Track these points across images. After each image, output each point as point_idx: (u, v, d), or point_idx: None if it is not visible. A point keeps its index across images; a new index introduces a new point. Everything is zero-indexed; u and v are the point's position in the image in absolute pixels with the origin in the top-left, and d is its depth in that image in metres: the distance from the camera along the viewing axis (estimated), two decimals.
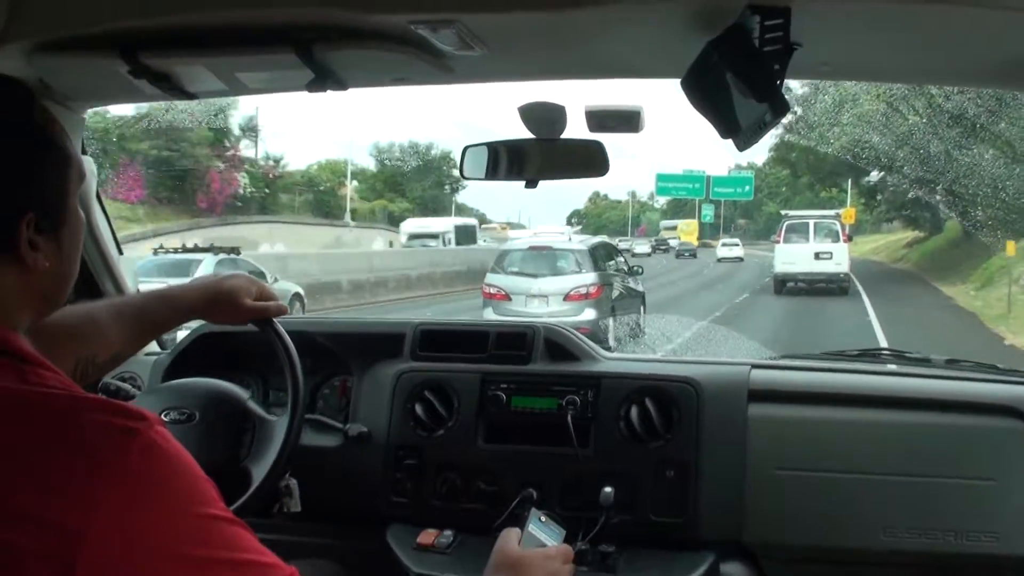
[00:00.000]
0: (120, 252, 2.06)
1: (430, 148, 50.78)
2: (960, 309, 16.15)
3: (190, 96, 1.56)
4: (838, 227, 19.74)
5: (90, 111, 1.81)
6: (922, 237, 28.65)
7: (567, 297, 11.96)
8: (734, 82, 1.22)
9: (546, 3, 1.18)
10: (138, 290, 1.98)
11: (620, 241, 34.12)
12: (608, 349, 1.99)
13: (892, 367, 2.03)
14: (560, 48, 1.40)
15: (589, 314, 11.58)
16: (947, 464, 1.65)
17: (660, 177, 35.78)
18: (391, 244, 30.73)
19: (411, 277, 22.20)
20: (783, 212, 26.90)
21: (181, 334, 2.02)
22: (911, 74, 1.97)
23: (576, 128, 1.67)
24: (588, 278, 12.12)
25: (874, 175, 22.06)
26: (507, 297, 12.41)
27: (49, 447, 0.76)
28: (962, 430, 1.68)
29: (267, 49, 1.35)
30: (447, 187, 50.21)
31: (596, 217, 73.45)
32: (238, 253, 15.54)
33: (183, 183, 28.70)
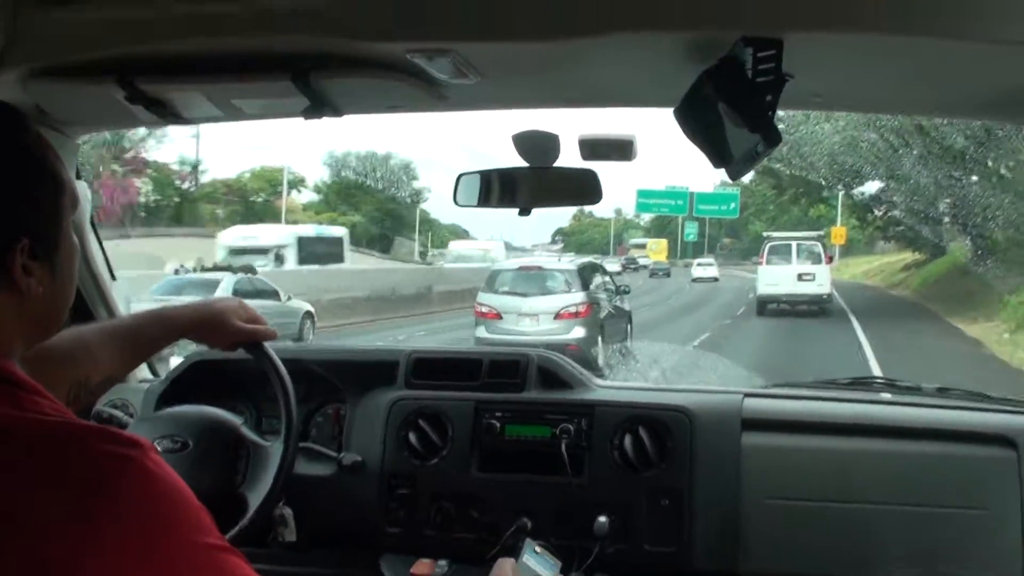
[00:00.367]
0: (113, 278, 2.05)
1: (388, 158, 48.85)
2: (992, 358, 12.76)
3: (186, 121, 1.57)
4: (820, 249, 19.73)
5: (84, 136, 1.81)
6: (921, 260, 26.29)
7: (557, 316, 12.10)
8: (727, 112, 1.23)
9: (541, 33, 1.19)
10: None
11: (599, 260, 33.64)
12: (599, 375, 1.99)
13: (885, 396, 2.03)
14: (554, 77, 1.41)
15: (579, 332, 11.79)
16: (940, 493, 1.64)
17: (641, 193, 34.72)
18: (199, 263, 17.49)
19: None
20: (765, 234, 26.61)
21: (174, 361, 2.01)
22: (902, 106, 1.99)
23: (569, 156, 1.68)
24: (577, 297, 12.28)
25: (869, 186, 20.73)
26: (499, 316, 12.53)
27: (43, 475, 0.75)
28: (954, 459, 1.68)
29: (264, 76, 1.36)
30: (408, 198, 48.80)
31: (579, 235, 73.34)
32: (255, 272, 15.81)
33: None
